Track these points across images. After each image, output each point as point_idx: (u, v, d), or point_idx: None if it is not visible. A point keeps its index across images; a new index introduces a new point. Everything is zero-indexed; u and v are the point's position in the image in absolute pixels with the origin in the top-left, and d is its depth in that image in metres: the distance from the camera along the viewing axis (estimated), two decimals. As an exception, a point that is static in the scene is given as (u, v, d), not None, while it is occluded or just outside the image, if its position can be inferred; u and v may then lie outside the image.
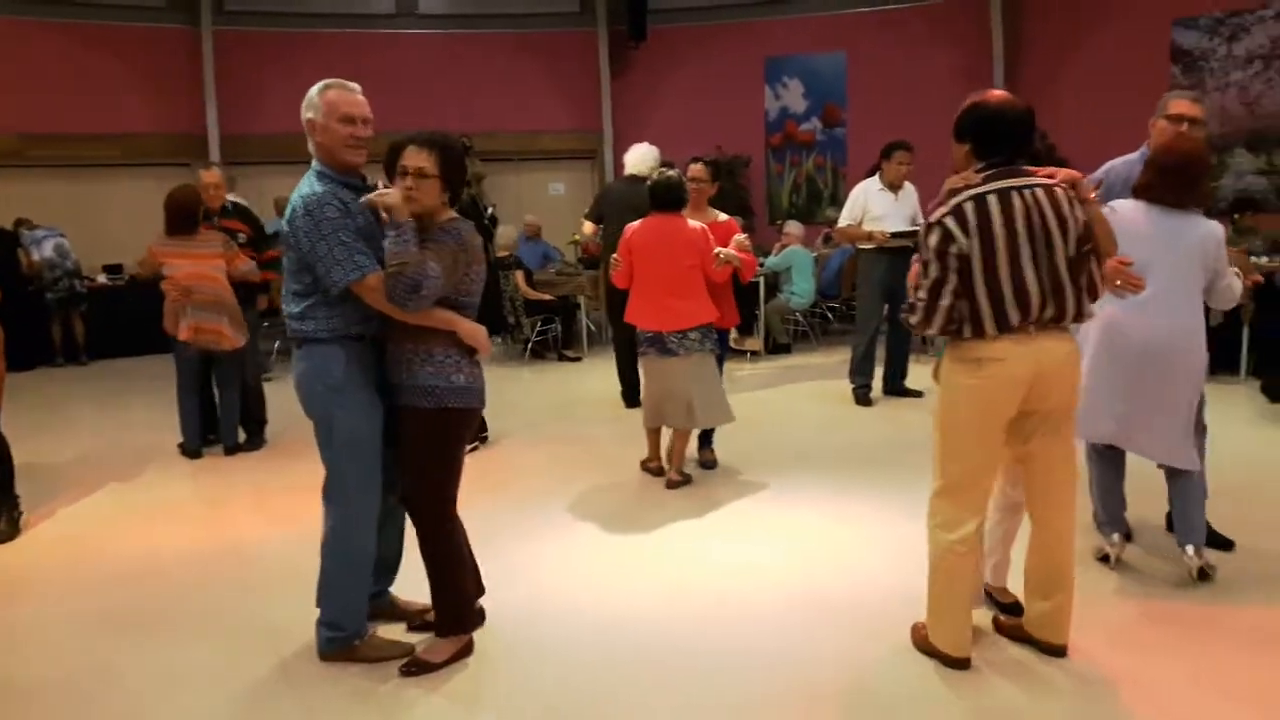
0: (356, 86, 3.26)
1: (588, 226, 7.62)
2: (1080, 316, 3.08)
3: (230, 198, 6.86)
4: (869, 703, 3.02)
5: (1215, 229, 3.71)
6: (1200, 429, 3.86)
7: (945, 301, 3.03)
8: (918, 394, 7.29)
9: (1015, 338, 3.01)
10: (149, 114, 12.05)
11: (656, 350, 5.30)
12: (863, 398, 7.27)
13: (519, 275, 9.51)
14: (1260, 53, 10.69)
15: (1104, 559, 3.96)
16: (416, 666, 3.26)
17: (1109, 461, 4.00)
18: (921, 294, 3.06)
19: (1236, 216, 8.77)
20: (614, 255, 5.45)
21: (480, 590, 3.54)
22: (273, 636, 3.55)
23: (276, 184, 10.20)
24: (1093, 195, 3.07)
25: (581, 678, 3.22)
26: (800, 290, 9.62)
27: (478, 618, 3.49)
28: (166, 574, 4.24)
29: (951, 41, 12.36)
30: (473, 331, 3.23)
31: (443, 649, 3.31)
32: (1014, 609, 3.44)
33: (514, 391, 8.29)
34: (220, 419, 6.38)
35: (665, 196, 5.29)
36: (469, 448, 5.82)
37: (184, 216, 6.00)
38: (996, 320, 2.99)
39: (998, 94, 3.11)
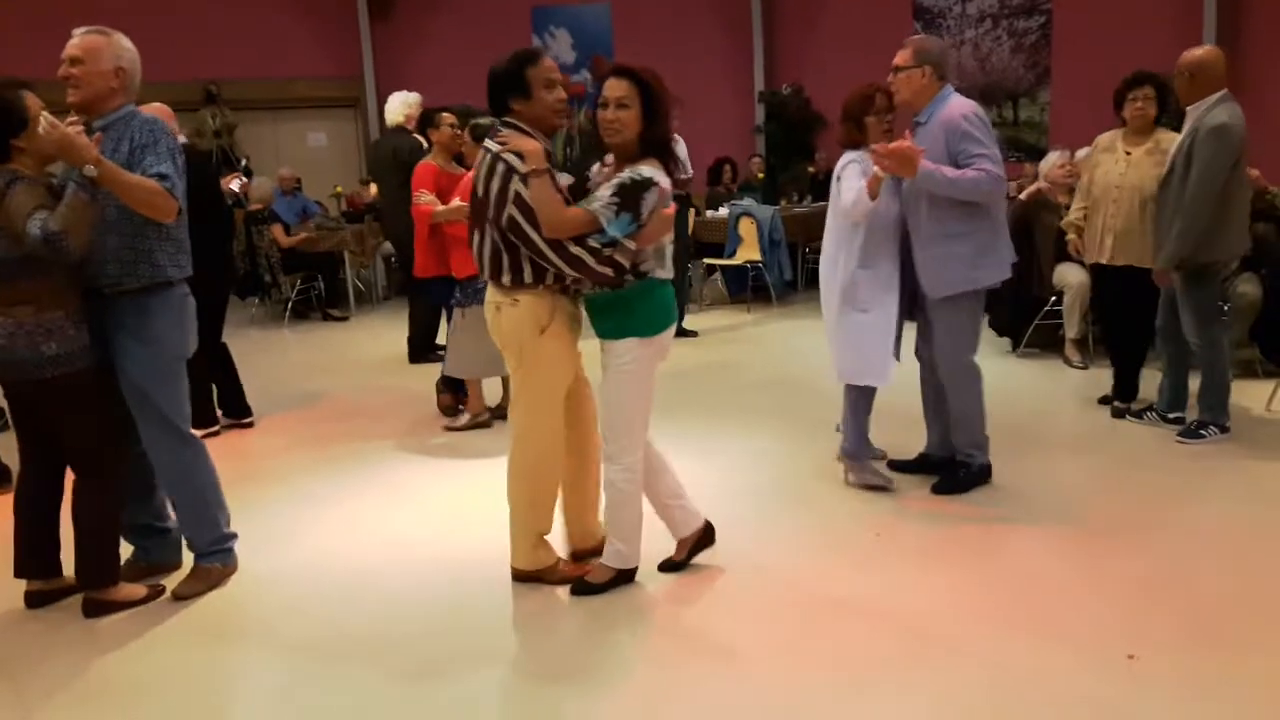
0: (75, 30, 3.28)
1: (372, 188, 7.49)
2: (500, 281, 3.20)
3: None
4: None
5: (842, 161, 4.01)
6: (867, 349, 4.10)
7: None
8: (693, 334, 7.83)
9: None
10: None
11: (480, 300, 5.16)
12: None
13: (276, 229, 8.98)
14: (990, 11, 11.52)
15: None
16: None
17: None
18: None
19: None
20: (460, 201, 5.08)
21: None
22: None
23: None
24: (532, 169, 3.03)
25: (324, 634, 3.13)
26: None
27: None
28: None
29: (713, -6, 12.60)
30: None
31: None
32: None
33: (273, 356, 7.86)
34: None
35: None
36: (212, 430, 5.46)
37: None
38: None
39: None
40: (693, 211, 9.10)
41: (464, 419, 5.48)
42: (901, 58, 4.00)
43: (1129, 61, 10.07)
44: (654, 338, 3.22)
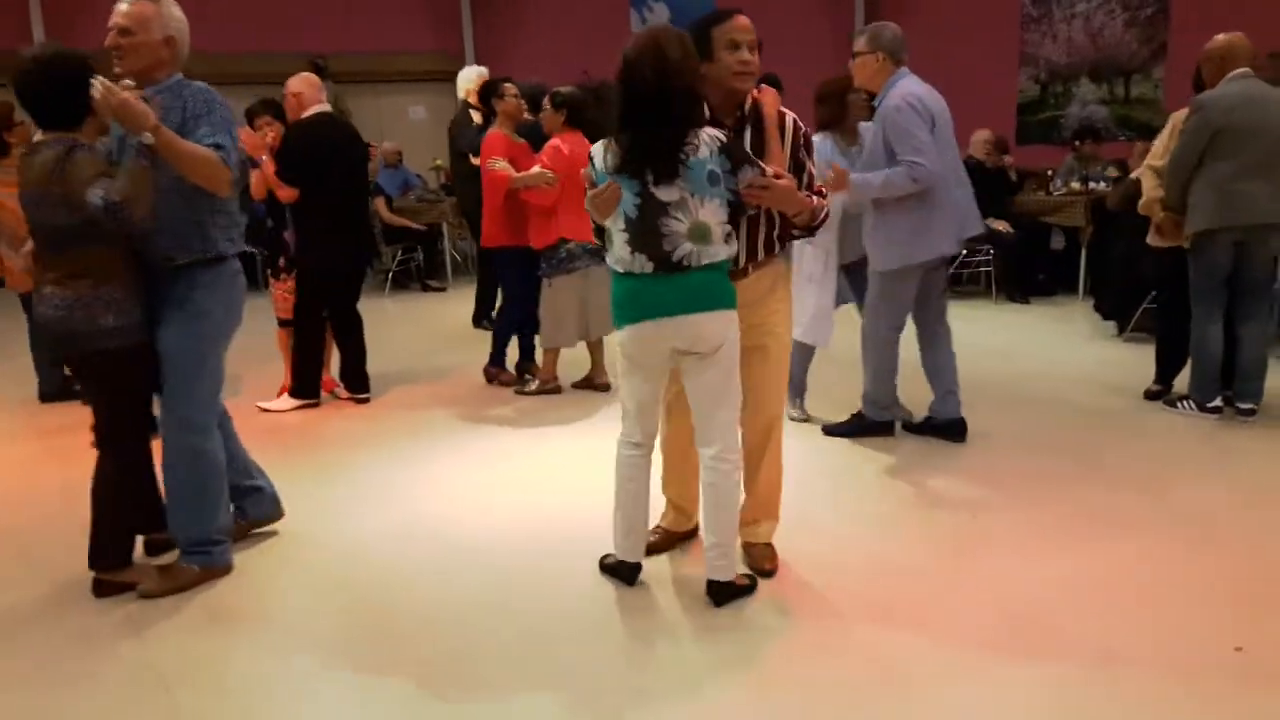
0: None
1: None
2: None
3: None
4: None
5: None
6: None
7: None
8: None
9: None
10: (-37, 28, 11.05)
11: (597, 261, 5.26)
12: None
13: (380, 202, 9.22)
14: (1104, -15, 11.10)
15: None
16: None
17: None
18: None
19: (1078, 144, 9.12)
20: (543, 169, 5.23)
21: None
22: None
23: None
24: None
25: (430, 590, 3.23)
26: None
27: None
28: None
29: (814, -32, 12.40)
30: None
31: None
32: None
33: (374, 324, 8.04)
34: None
35: (582, 114, 5.43)
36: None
37: None
38: None
39: None
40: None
41: (534, 385, 5.58)
42: (857, 44, 4.30)
43: (1258, 35, 9.67)
44: (618, 330, 3.01)
